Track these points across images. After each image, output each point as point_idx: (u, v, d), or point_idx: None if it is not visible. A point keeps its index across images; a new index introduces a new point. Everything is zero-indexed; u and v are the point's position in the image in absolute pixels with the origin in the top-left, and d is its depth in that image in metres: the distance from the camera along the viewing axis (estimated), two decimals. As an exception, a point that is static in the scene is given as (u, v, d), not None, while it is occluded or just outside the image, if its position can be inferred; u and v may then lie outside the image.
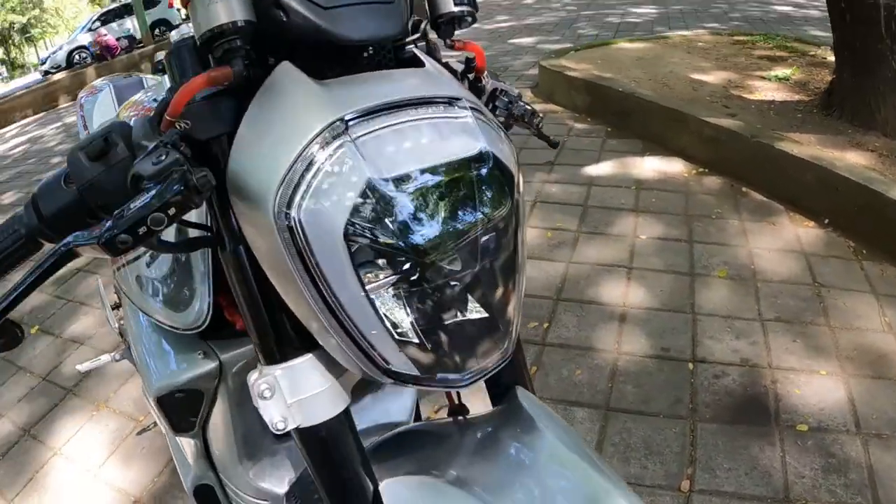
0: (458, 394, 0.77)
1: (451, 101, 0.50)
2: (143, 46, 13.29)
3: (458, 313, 0.51)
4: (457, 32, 0.65)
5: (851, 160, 2.66)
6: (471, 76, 0.71)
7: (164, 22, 16.26)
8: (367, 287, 0.47)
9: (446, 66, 0.67)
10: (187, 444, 0.99)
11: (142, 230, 0.44)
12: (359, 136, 0.46)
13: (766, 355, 1.94)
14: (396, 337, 0.49)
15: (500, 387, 0.71)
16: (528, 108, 0.70)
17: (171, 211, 0.45)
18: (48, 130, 7.89)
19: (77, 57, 16.92)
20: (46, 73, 16.65)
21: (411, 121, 0.48)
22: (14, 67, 33.68)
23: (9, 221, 0.54)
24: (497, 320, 0.54)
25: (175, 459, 1.11)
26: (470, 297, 0.51)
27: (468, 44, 0.67)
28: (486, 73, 0.71)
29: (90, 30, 17.30)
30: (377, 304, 0.48)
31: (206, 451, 0.95)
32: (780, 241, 2.54)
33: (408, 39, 0.58)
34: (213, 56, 0.50)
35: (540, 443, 0.62)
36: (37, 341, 2.61)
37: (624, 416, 1.78)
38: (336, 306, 0.47)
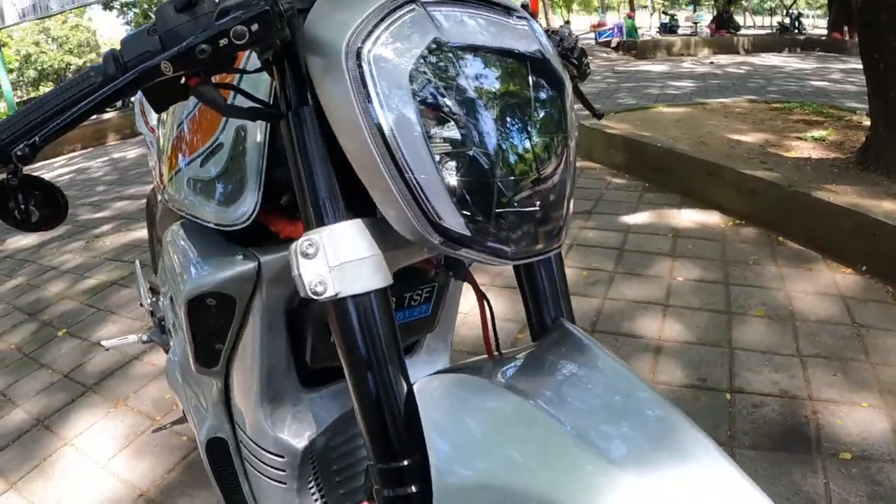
0: (497, 338, 0.75)
1: (509, 11, 0.57)
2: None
3: (511, 192, 0.52)
4: None
5: (888, 207, 2.67)
6: None
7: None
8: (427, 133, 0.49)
9: None
10: (207, 389, 0.96)
11: (223, 42, 0.46)
12: (429, 5, 0.51)
13: (806, 388, 1.92)
14: (451, 185, 0.50)
15: (542, 322, 0.68)
16: (580, 46, 0.74)
17: (255, 27, 0.47)
18: (94, 163, 8.15)
19: (131, 102, 17.76)
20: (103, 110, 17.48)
21: (475, 13, 0.53)
22: (68, 105, 35.43)
23: (85, 71, 0.53)
24: (549, 208, 0.55)
25: (190, 410, 1.08)
26: (522, 183, 0.53)
27: None
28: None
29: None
30: (434, 151, 0.49)
31: (226, 398, 0.92)
32: (817, 286, 2.54)
33: None
34: None
35: (591, 362, 0.57)
36: (63, 342, 2.71)
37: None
38: (396, 148, 0.49)
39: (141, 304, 1.63)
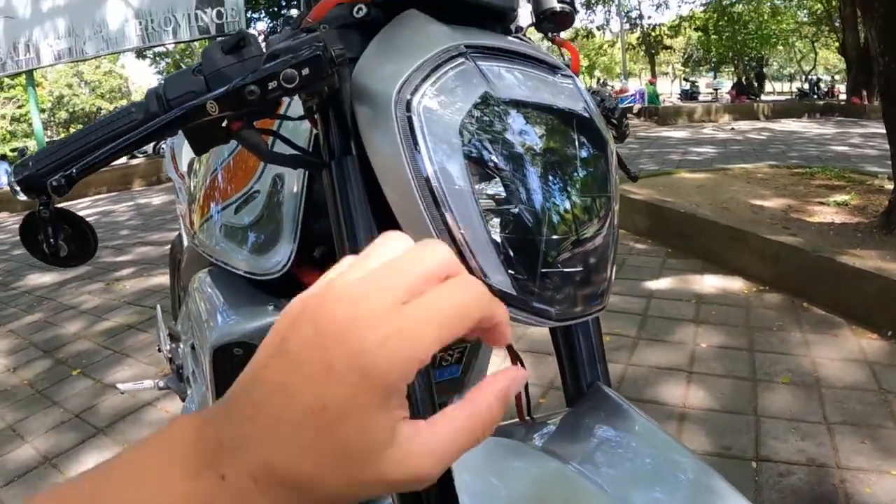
0: (529, 401, 0.72)
1: (554, 69, 0.56)
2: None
3: (555, 251, 0.51)
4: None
5: (913, 273, 2.68)
6: None
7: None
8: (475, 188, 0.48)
9: None
10: None
11: (272, 84, 0.46)
12: (479, 59, 0.51)
13: (834, 455, 1.90)
14: (497, 242, 0.48)
15: (578, 386, 0.65)
16: (620, 107, 0.74)
17: (305, 71, 0.46)
18: (119, 207, 8.31)
19: (162, 148, 18.28)
20: (132, 155, 18.11)
21: (523, 68, 0.53)
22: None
23: (125, 107, 0.53)
24: (592, 270, 0.53)
25: None
26: (566, 243, 0.51)
27: (566, 43, 0.71)
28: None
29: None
30: (481, 207, 0.48)
31: None
32: (842, 352, 2.53)
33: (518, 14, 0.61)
34: None
35: (629, 427, 0.55)
36: (76, 382, 2.75)
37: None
38: (442, 200, 0.47)
39: (159, 350, 1.64)
